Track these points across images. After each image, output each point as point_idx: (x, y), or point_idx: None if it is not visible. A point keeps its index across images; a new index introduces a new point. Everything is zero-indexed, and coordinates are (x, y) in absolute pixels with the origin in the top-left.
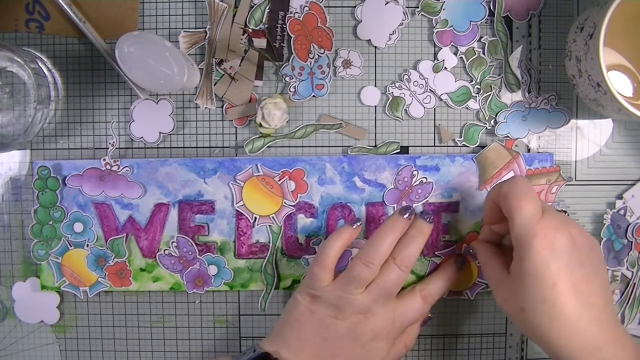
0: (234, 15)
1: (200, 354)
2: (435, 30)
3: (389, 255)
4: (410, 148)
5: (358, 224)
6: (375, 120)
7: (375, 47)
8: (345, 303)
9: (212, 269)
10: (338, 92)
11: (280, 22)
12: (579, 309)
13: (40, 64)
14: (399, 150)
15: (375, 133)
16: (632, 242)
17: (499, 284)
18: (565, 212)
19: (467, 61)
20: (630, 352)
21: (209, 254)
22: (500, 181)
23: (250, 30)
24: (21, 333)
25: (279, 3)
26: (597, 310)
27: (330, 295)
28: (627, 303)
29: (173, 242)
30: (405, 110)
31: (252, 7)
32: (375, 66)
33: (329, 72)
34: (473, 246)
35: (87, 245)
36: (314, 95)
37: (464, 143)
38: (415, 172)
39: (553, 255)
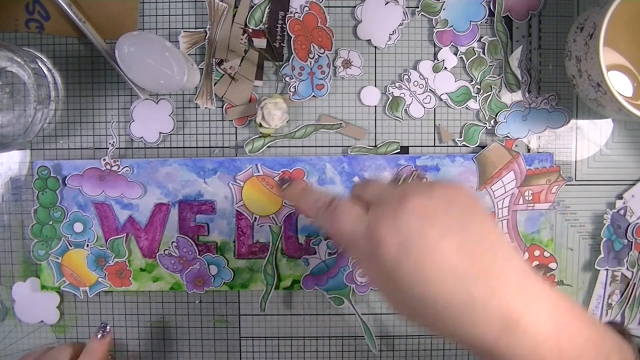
0: (234, 15)
1: (200, 354)
2: (435, 30)
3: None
4: (410, 148)
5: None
6: (375, 120)
7: (375, 47)
8: None
9: (212, 269)
10: (338, 92)
11: (280, 22)
12: None
13: (40, 64)
14: (399, 150)
15: (375, 133)
16: (632, 242)
17: None
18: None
19: (467, 61)
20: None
21: (209, 254)
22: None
23: (250, 30)
24: (21, 333)
25: (279, 3)
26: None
27: None
28: (627, 303)
29: (173, 242)
30: (405, 110)
31: (252, 7)
32: (375, 66)
33: (329, 72)
34: None
35: (87, 245)
36: (314, 95)
37: (464, 143)
38: (415, 172)
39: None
